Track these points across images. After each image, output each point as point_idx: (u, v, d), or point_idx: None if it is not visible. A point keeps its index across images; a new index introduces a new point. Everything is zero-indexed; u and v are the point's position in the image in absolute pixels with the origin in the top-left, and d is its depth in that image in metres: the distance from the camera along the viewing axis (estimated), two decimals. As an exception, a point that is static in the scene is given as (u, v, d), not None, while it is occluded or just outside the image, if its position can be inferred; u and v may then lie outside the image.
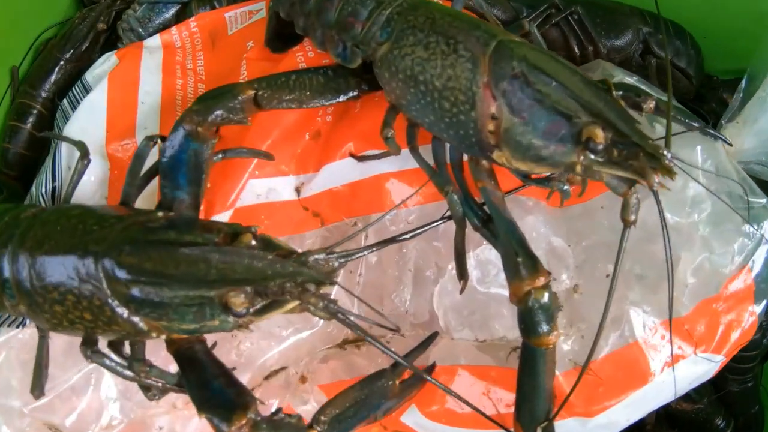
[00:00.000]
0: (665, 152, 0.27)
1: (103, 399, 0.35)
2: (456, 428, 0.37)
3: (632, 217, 0.28)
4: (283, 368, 0.36)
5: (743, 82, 0.46)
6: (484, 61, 0.28)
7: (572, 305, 0.37)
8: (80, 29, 0.49)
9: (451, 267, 0.35)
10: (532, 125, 0.27)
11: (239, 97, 0.31)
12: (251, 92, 0.32)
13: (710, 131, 0.39)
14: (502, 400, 0.35)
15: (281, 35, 0.40)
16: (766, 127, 0.43)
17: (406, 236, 0.30)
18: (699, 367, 0.38)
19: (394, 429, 0.38)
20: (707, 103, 0.53)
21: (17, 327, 0.35)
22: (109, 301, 0.27)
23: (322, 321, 0.36)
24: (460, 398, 0.31)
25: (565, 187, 0.31)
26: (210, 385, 0.27)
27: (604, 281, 0.37)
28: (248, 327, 0.27)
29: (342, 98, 0.34)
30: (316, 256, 0.27)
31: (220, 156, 0.33)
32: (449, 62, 0.28)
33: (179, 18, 0.48)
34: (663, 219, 0.28)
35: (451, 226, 0.32)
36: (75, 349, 0.35)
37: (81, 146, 0.35)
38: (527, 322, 0.28)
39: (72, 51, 0.49)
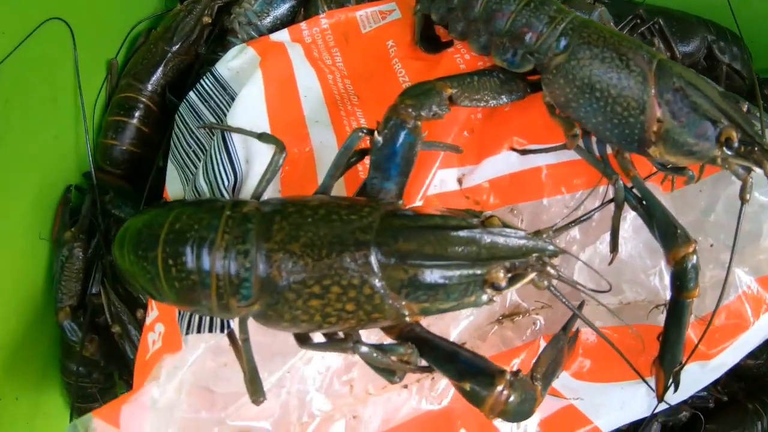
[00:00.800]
0: None
1: (303, 394, 0.41)
2: (590, 383, 0.49)
3: (748, 196, 0.42)
4: (463, 343, 0.46)
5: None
6: (651, 75, 0.40)
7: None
8: (187, 22, 0.54)
9: (599, 242, 0.47)
10: (688, 127, 0.39)
11: (442, 94, 0.39)
12: (450, 90, 0.40)
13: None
14: (635, 353, 0.48)
15: (429, 36, 0.49)
16: None
17: (588, 215, 0.42)
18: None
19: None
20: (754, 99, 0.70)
21: (219, 331, 0.38)
22: (381, 289, 0.31)
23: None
24: (621, 354, 0.42)
25: (691, 173, 0.45)
26: (458, 357, 0.34)
27: (707, 250, 0.51)
28: (494, 300, 0.35)
29: (512, 98, 0.44)
30: (546, 235, 0.36)
31: (421, 149, 0.41)
32: (623, 75, 0.40)
33: (304, 14, 0.55)
34: None
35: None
36: (266, 348, 0.39)
37: (273, 140, 0.39)
38: (682, 279, 0.41)
39: (180, 44, 0.54)
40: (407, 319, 0.35)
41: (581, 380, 0.49)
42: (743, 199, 0.42)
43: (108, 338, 0.49)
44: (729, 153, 0.40)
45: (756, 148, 0.40)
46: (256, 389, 0.35)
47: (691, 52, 0.62)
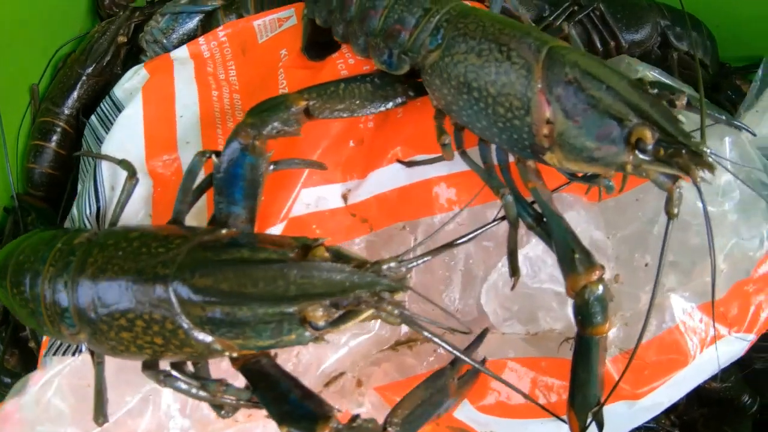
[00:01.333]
0: (707, 149, 0.28)
1: (163, 419, 0.36)
2: (508, 419, 0.39)
3: (676, 211, 0.29)
4: (341, 374, 0.37)
5: (760, 70, 0.48)
6: (538, 67, 0.29)
7: (614, 294, 0.38)
8: (101, 43, 0.49)
9: (501, 264, 0.36)
10: (586, 128, 0.28)
11: (292, 108, 0.32)
12: (303, 103, 0.32)
13: (737, 123, 0.41)
14: (552, 389, 0.37)
15: (317, 42, 0.40)
16: None
17: (464, 239, 0.31)
18: (733, 347, 0.40)
19: (447, 425, 0.40)
20: (722, 91, 0.55)
21: (72, 355, 0.34)
22: (183, 324, 0.27)
23: (377, 325, 0.37)
24: (513, 387, 0.32)
25: (609, 183, 0.33)
26: (287, 398, 0.28)
27: (642, 270, 0.39)
28: (324, 339, 0.28)
29: (390, 105, 0.35)
30: (390, 265, 0.27)
31: (272, 168, 0.34)
32: (503, 69, 0.29)
33: (205, 28, 0.47)
34: (706, 211, 0.29)
35: (500, 225, 0.33)
36: (128, 372, 0.35)
37: (127, 165, 0.35)
38: (584, 313, 0.30)
39: (94, 66, 0.48)
40: (230, 354, 0.27)
41: (490, 415, 0.38)
42: (670, 215, 0.30)
43: (29, 352, 0.45)
44: (643, 158, 0.28)
45: (683, 151, 0.28)
46: (98, 412, 0.32)
47: (642, 40, 0.48)
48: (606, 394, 0.32)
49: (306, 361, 0.36)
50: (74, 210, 0.39)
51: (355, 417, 0.28)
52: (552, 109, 0.29)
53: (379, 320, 0.35)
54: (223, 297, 0.26)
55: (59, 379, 0.34)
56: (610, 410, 0.36)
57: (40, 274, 0.30)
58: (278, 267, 0.26)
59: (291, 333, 0.27)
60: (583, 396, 0.33)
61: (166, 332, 0.27)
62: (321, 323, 0.26)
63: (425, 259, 0.29)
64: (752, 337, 0.41)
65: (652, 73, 0.44)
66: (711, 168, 0.28)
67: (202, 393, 0.29)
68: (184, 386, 0.29)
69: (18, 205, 0.46)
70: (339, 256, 0.28)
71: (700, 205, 0.38)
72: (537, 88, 0.29)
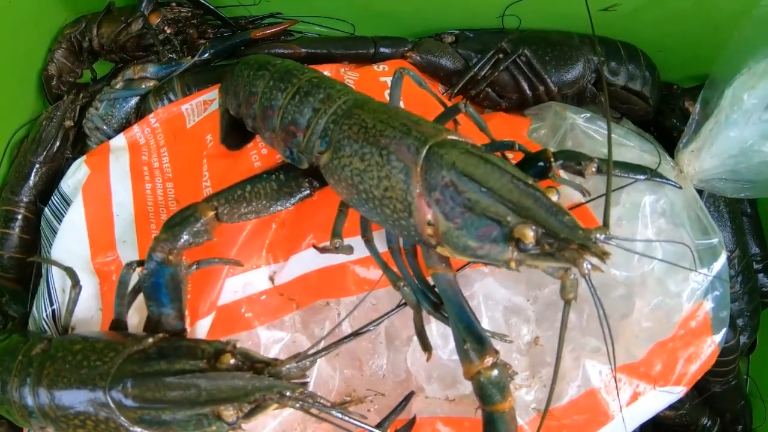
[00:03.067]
0: (595, 237, 0.30)
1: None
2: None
3: (571, 296, 0.31)
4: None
5: (697, 105, 0.49)
6: (416, 171, 0.32)
7: (534, 356, 0.42)
8: (49, 130, 0.54)
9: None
10: (466, 229, 0.31)
11: (201, 220, 0.36)
12: (212, 213, 0.36)
13: (657, 178, 0.42)
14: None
15: (235, 130, 0.44)
16: (723, 149, 0.46)
17: (370, 327, 0.35)
18: (661, 401, 0.43)
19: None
20: (668, 118, 0.55)
21: None
22: (123, 423, 0.33)
23: (312, 383, 0.42)
24: None
25: (511, 268, 0.35)
26: None
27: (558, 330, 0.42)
28: (241, 427, 0.33)
29: (296, 200, 0.38)
30: (288, 366, 0.32)
31: (194, 268, 0.38)
32: (384, 173, 0.32)
33: (139, 112, 0.52)
34: (596, 297, 0.31)
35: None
36: None
37: (71, 274, 0.41)
38: (481, 395, 0.33)
39: (45, 153, 0.54)
40: None
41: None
42: (566, 300, 0.31)
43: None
44: (526, 255, 0.30)
45: (569, 244, 0.30)
46: None
47: (574, 80, 0.50)
48: None
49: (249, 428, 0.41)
50: (34, 311, 0.45)
51: None
52: (432, 211, 0.32)
53: (312, 378, 0.41)
54: (149, 403, 0.32)
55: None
56: (534, 471, 0.40)
57: (8, 383, 0.37)
58: (190, 377, 0.32)
59: (211, 425, 0.32)
60: None
61: (111, 429, 0.34)
62: (232, 420, 0.31)
63: (323, 354, 0.33)
64: (682, 389, 0.44)
65: (579, 121, 0.46)
66: (602, 256, 0.30)
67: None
68: None
69: (-9, 289, 0.53)
70: (246, 358, 0.32)
71: (617, 272, 0.41)
72: (416, 192, 0.32)
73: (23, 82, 0.57)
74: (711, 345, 0.43)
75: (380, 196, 0.33)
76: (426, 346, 0.37)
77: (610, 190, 0.33)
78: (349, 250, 0.37)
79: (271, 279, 0.43)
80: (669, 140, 0.52)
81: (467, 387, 0.41)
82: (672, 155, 0.49)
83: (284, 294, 0.43)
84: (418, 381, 0.42)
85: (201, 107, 0.48)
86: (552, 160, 0.36)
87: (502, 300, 0.41)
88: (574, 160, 0.37)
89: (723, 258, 0.43)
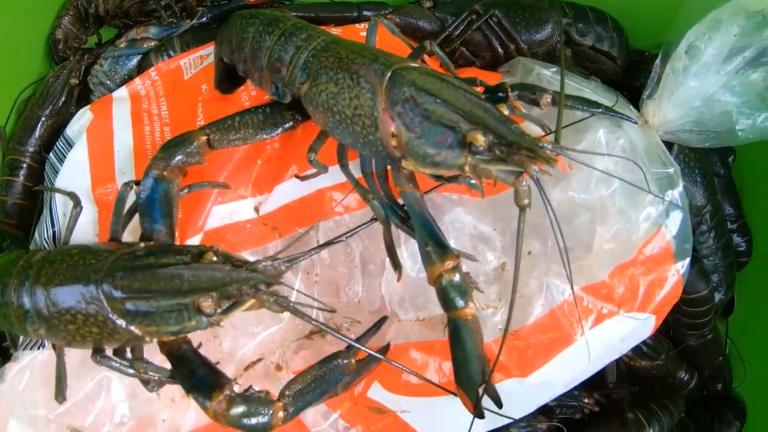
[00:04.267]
0: (544, 145, 0.36)
1: (114, 401, 0.48)
2: (413, 397, 0.48)
3: (525, 202, 0.37)
4: (259, 359, 0.48)
5: (659, 58, 0.55)
6: (381, 90, 0.38)
7: (501, 281, 0.47)
8: (55, 87, 0.62)
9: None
10: (425, 137, 0.37)
11: (195, 143, 0.43)
12: (204, 138, 0.43)
13: (612, 113, 0.49)
14: (449, 369, 0.46)
15: (228, 77, 0.51)
16: (684, 99, 0.52)
17: (341, 238, 0.41)
18: (627, 325, 0.48)
19: (364, 404, 0.50)
20: (637, 79, 0.62)
21: (37, 349, 0.47)
22: (110, 315, 0.39)
23: (287, 316, 0.48)
24: (407, 370, 0.42)
25: (473, 182, 0.42)
26: (195, 373, 0.39)
27: (527, 257, 0.47)
28: (219, 324, 0.38)
29: (280, 130, 0.45)
30: (264, 264, 0.38)
31: (186, 191, 0.45)
32: (354, 94, 0.39)
33: (141, 67, 0.59)
34: (547, 201, 0.37)
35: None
36: (86, 364, 0.47)
37: (73, 197, 0.47)
38: (444, 299, 0.38)
39: (50, 107, 0.61)
40: (150, 340, 0.40)
41: (400, 395, 0.47)
42: (521, 207, 0.37)
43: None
44: (478, 158, 0.36)
45: (518, 148, 0.35)
46: (58, 393, 0.44)
47: (543, 40, 0.57)
48: (491, 373, 0.40)
49: (228, 350, 0.47)
50: (36, 234, 0.52)
51: (249, 388, 0.38)
52: (395, 124, 0.38)
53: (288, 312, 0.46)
54: (135, 293, 0.38)
55: (30, 369, 0.47)
56: (501, 388, 0.44)
57: (8, 285, 0.42)
58: (174, 269, 0.37)
59: (191, 320, 0.38)
60: (466, 374, 0.41)
61: (99, 323, 0.39)
62: (210, 311, 0.37)
63: (299, 259, 0.39)
64: (648, 316, 0.49)
65: (544, 71, 0.53)
66: (549, 161, 0.35)
67: (129, 370, 0.40)
68: (115, 365, 0.40)
69: (-6, 234, 0.59)
70: (227, 259, 0.38)
71: (572, 194, 0.47)
72: (381, 107, 0.38)
73: (32, 45, 0.65)
74: (674, 274, 0.48)
75: (351, 114, 0.39)
76: (396, 264, 0.43)
77: (563, 106, 0.39)
78: (324, 168, 0.43)
79: (256, 209, 0.49)
80: (639, 101, 0.59)
81: (436, 307, 0.47)
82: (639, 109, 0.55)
83: (268, 223, 0.49)
84: (391, 306, 0.48)
85: (198, 61, 0.56)
86: (509, 90, 0.43)
87: (470, 227, 0.47)
88: (530, 91, 0.43)
89: (680, 187, 0.48)
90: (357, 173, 0.44)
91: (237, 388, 0.38)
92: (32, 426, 0.48)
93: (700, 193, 0.61)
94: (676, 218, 0.48)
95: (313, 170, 0.46)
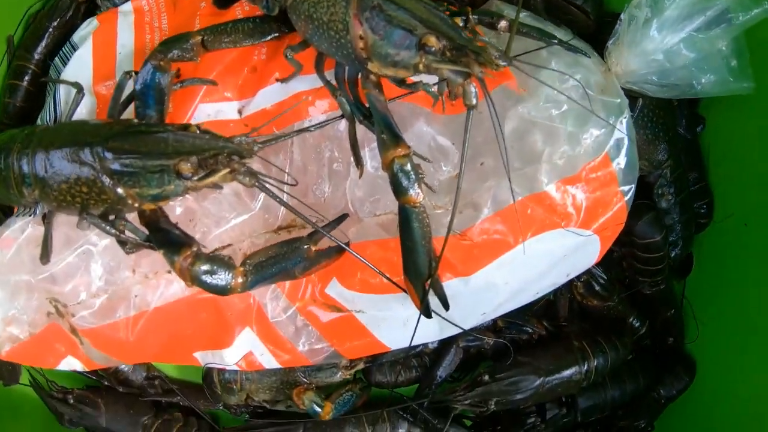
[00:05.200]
0: (494, 52, 0.46)
1: (92, 275, 0.58)
2: (369, 294, 0.58)
3: (473, 101, 0.46)
4: (229, 245, 0.58)
5: (624, 11, 0.65)
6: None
7: (454, 189, 0.56)
8: (64, 1, 0.73)
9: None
10: (387, 39, 0.47)
11: (190, 41, 0.54)
12: (199, 37, 0.54)
13: (571, 46, 0.59)
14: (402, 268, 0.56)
15: (225, -6, 0.62)
16: (647, 49, 0.62)
17: (310, 129, 0.52)
18: (569, 240, 0.57)
19: (322, 301, 0.59)
20: (607, 35, 0.72)
21: (31, 216, 0.57)
22: (100, 176, 0.48)
23: (258, 206, 0.57)
24: (361, 259, 0.51)
25: (431, 90, 0.51)
26: (168, 235, 0.49)
27: (479, 168, 0.57)
28: (195, 190, 0.48)
29: (267, 38, 0.56)
30: (239, 138, 0.48)
31: (178, 85, 0.55)
32: (331, 2, 0.49)
33: (146, -14, 0.71)
34: (489, 99, 0.47)
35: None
36: (70, 241, 0.57)
37: (76, 84, 0.58)
38: (395, 184, 0.48)
39: (58, 19, 0.72)
40: (133, 204, 0.49)
41: (356, 291, 0.57)
42: (468, 106, 0.46)
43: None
44: (431, 58, 0.46)
45: (466, 52, 0.45)
46: (43, 255, 0.55)
47: (519, -10, 0.67)
48: (437, 267, 0.49)
49: (201, 234, 0.57)
50: (38, 120, 0.62)
51: (215, 250, 0.48)
52: (363, 27, 0.48)
53: (260, 202, 0.56)
54: (125, 153, 0.48)
55: (18, 239, 0.57)
56: (447, 286, 0.54)
57: (12, 151, 0.52)
58: (161, 134, 0.48)
59: (170, 183, 0.47)
60: (413, 265, 0.50)
61: (89, 182, 0.48)
62: (188, 174, 0.46)
63: (271, 141, 0.49)
64: (590, 234, 0.58)
65: (512, 14, 0.63)
66: (491, 63, 0.45)
67: (111, 229, 0.50)
68: (98, 223, 0.50)
69: (-3, 133, 0.70)
70: (206, 132, 0.49)
71: (524, 112, 0.57)
72: (352, 13, 0.49)
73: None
74: (618, 198, 0.57)
75: (327, 20, 0.50)
76: (358, 161, 0.53)
77: (515, 26, 0.49)
78: (298, 65, 0.54)
79: (240, 111, 0.59)
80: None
81: (393, 205, 0.56)
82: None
83: (249, 124, 0.59)
84: (353, 206, 0.58)
85: (198, -19, 0.67)
86: (470, 14, 0.53)
87: (430, 139, 0.57)
88: (488, 16, 0.53)
89: (626, 116, 0.58)
90: (332, 80, 0.54)
91: (204, 250, 0.48)
92: (15, 293, 0.58)
93: (662, 147, 0.70)
94: (622, 145, 0.58)
95: (294, 73, 0.56)
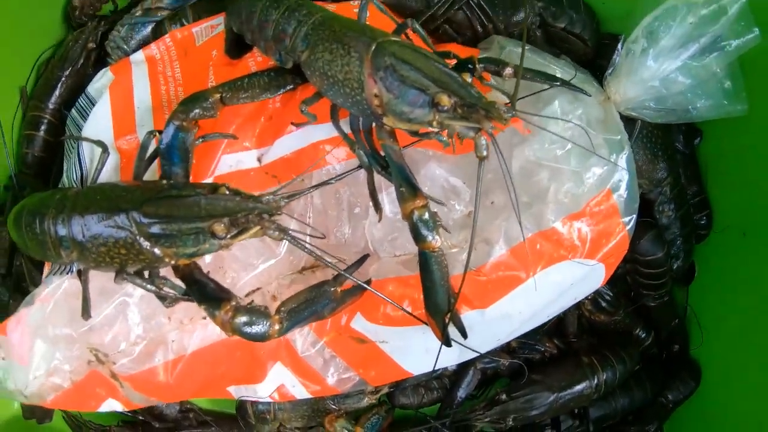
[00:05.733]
0: (501, 107, 0.51)
1: (130, 323, 0.62)
2: (391, 327, 0.63)
3: (484, 153, 0.52)
4: (258, 288, 0.62)
5: (620, 42, 0.70)
6: (368, 58, 0.53)
7: (468, 227, 0.62)
8: (75, 50, 0.76)
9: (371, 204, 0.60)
10: (402, 98, 0.51)
11: (209, 99, 0.57)
12: (218, 95, 0.58)
13: (573, 86, 0.63)
14: (422, 302, 0.61)
15: (237, 44, 0.66)
16: (644, 77, 0.67)
17: (331, 181, 0.56)
18: (576, 270, 0.63)
19: (348, 334, 0.64)
20: (607, 60, 0.77)
21: (65, 274, 0.62)
22: (138, 238, 0.53)
23: (284, 251, 0.62)
24: (386, 298, 0.56)
25: (443, 138, 0.56)
26: (206, 289, 0.54)
27: (490, 207, 0.62)
28: (228, 248, 0.53)
29: (282, 91, 0.60)
30: (268, 197, 0.53)
31: (200, 140, 0.60)
32: (345, 61, 0.53)
33: (155, 33, 0.74)
34: (500, 152, 0.52)
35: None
36: (105, 293, 0.62)
37: (101, 144, 0.62)
38: (415, 232, 0.53)
39: (70, 68, 0.76)
40: (170, 261, 0.53)
41: (379, 325, 0.62)
42: (479, 158, 0.51)
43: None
44: (444, 115, 0.51)
45: (477, 108, 0.50)
46: (85, 310, 0.59)
47: (519, 22, 0.72)
48: (455, 302, 0.54)
49: (231, 280, 0.62)
50: (65, 178, 0.66)
51: (251, 301, 0.53)
52: (378, 86, 0.53)
53: (285, 245, 0.61)
54: (160, 218, 0.52)
55: (56, 295, 0.62)
56: (465, 318, 0.59)
57: (46, 215, 0.56)
58: (193, 198, 0.52)
59: (205, 242, 0.52)
60: (433, 302, 0.56)
61: (127, 245, 0.53)
62: (222, 234, 0.51)
63: (296, 196, 0.54)
64: (595, 263, 0.63)
65: (516, 49, 0.68)
66: (501, 119, 0.50)
67: (150, 286, 0.55)
68: (138, 281, 0.55)
69: (16, 182, 0.74)
70: (237, 193, 0.53)
71: (530, 154, 0.62)
72: (367, 73, 0.53)
73: (50, 12, 0.80)
74: (620, 229, 0.63)
75: (342, 78, 0.54)
76: (377, 206, 0.58)
77: (520, 76, 0.53)
78: (313, 117, 0.58)
79: (259, 159, 0.64)
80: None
81: (411, 246, 0.61)
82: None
83: (269, 172, 0.64)
84: (373, 246, 0.63)
85: (209, 30, 0.71)
86: (477, 63, 0.57)
87: (442, 180, 0.62)
88: (494, 63, 0.58)
89: (626, 152, 0.63)
90: (347, 130, 0.59)
91: (242, 302, 0.53)
92: (56, 345, 0.63)
93: (661, 166, 0.75)
94: (623, 179, 0.63)
95: (307, 122, 0.60)
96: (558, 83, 0.62)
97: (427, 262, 0.54)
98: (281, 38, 0.58)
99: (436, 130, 0.54)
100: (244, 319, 0.51)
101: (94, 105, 0.70)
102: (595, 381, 0.68)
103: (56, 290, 0.62)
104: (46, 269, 0.66)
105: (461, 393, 0.69)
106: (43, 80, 0.77)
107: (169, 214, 0.52)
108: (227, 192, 0.53)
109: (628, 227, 0.64)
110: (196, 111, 0.57)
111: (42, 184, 0.76)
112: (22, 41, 0.76)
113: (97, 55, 0.78)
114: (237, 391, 0.67)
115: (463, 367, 0.71)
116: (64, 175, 0.67)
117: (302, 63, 0.57)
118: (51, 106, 0.76)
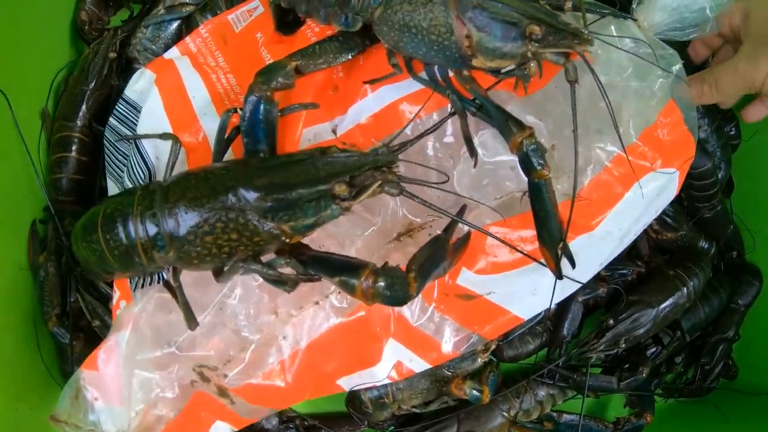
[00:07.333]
0: (584, 30, 0.53)
1: (234, 328, 0.57)
2: (499, 274, 0.62)
3: (576, 76, 0.53)
4: (363, 261, 0.60)
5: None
6: (451, 2, 0.53)
7: (552, 159, 0.62)
8: (96, 62, 0.71)
9: (463, 151, 0.59)
10: (493, 35, 0.52)
11: (287, 67, 0.55)
12: (294, 63, 0.55)
13: (619, 13, 0.66)
14: (526, 240, 0.61)
15: (285, 21, 0.64)
16: (669, 2, 0.71)
17: (430, 130, 0.55)
18: (659, 181, 0.65)
19: (454, 293, 0.63)
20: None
21: (151, 285, 0.56)
22: (250, 217, 0.47)
23: (380, 219, 0.60)
24: (496, 238, 0.55)
25: (525, 73, 0.57)
26: (331, 262, 0.49)
27: (570, 138, 0.63)
28: (350, 209, 0.49)
29: (355, 53, 0.58)
30: (380, 150, 0.50)
31: (279, 114, 0.56)
32: (428, 8, 0.53)
33: (186, 28, 0.70)
34: (596, 76, 0.53)
35: (456, 124, 0.57)
36: (194, 302, 0.56)
37: (170, 136, 0.57)
38: (526, 162, 0.53)
39: (95, 81, 0.70)
40: (284, 239, 0.50)
41: (485, 275, 0.61)
42: (570, 82, 0.52)
43: (92, 334, 0.65)
44: (537, 45, 0.52)
45: (565, 34, 0.51)
46: (190, 319, 0.52)
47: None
48: (567, 231, 0.54)
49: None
50: (127, 181, 0.60)
51: (385, 263, 0.50)
52: (467, 27, 0.53)
53: (380, 216, 0.59)
54: (276, 188, 0.47)
55: (148, 309, 0.56)
56: (574, 244, 0.59)
57: (130, 215, 0.49)
58: (309, 160, 0.48)
59: (326, 208, 0.48)
60: (548, 232, 0.55)
61: (239, 227, 0.47)
62: (344, 195, 0.48)
63: (406, 144, 0.52)
64: (673, 171, 0.65)
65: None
66: (588, 42, 0.52)
67: (270, 271, 0.50)
68: (256, 266, 0.49)
69: (54, 213, 0.67)
70: (347, 151, 0.50)
71: (602, 76, 0.64)
72: (454, 15, 0.53)
73: (59, 29, 0.74)
74: (686, 134, 0.66)
75: (427, 26, 0.53)
76: (473, 151, 0.57)
77: (583, 6, 0.56)
78: (401, 69, 0.57)
79: (334, 131, 0.61)
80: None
81: (510, 184, 0.61)
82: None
83: (347, 142, 0.61)
84: (465, 195, 0.62)
85: (246, 15, 0.68)
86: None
87: (522, 118, 0.62)
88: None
89: (679, 64, 0.66)
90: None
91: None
92: (155, 369, 0.56)
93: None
94: (681, 89, 0.66)
95: (386, 76, 0.59)
96: (609, 12, 0.65)
97: (540, 191, 0.53)
98: (346, 0, 0.57)
99: (521, 63, 0.54)
100: (385, 282, 0.47)
101: (135, 108, 0.65)
102: (686, 290, 0.70)
103: (146, 306, 0.56)
104: (117, 293, 0.60)
105: (567, 330, 0.69)
106: (66, 98, 0.71)
107: (286, 182, 0.48)
108: (339, 151, 0.50)
109: (693, 134, 0.67)
110: (279, 80, 0.54)
111: (84, 209, 0.69)
112: (35, 65, 0.70)
113: (119, 64, 0.73)
114: (348, 382, 0.63)
115: (563, 306, 0.71)
116: (126, 178, 0.61)
117: (375, 20, 0.56)
118: (80, 123, 0.70)
